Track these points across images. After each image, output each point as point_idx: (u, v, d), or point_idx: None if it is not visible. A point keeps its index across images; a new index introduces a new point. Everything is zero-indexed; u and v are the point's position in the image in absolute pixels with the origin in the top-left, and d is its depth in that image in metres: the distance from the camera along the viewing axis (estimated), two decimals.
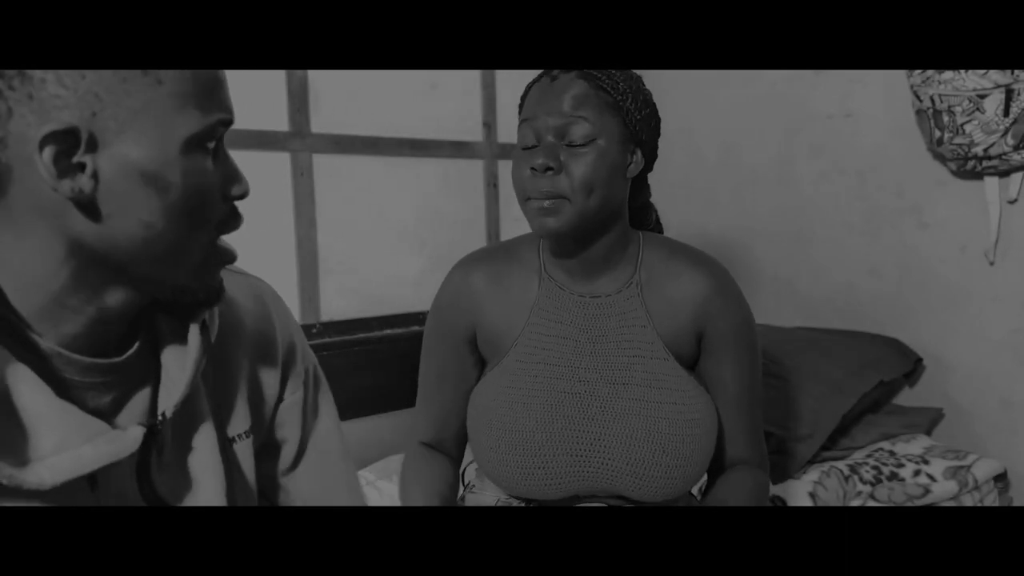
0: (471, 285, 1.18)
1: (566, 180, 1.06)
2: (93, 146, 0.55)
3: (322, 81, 1.82)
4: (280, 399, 0.80)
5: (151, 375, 0.66)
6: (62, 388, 0.58)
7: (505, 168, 2.17)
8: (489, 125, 2.12)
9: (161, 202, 0.57)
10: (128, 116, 0.55)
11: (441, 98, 2.04)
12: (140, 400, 0.65)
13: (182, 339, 0.67)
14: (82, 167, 0.55)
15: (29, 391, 0.55)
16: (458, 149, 2.08)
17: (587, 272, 1.16)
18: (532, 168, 1.07)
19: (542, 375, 1.12)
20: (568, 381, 1.12)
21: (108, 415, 0.62)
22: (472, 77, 2.11)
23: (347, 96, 1.88)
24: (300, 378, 0.82)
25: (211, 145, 0.61)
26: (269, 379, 0.78)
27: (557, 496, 1.10)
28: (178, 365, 0.66)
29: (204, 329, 0.67)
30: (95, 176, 0.55)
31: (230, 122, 0.62)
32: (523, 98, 1.14)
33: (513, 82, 2.12)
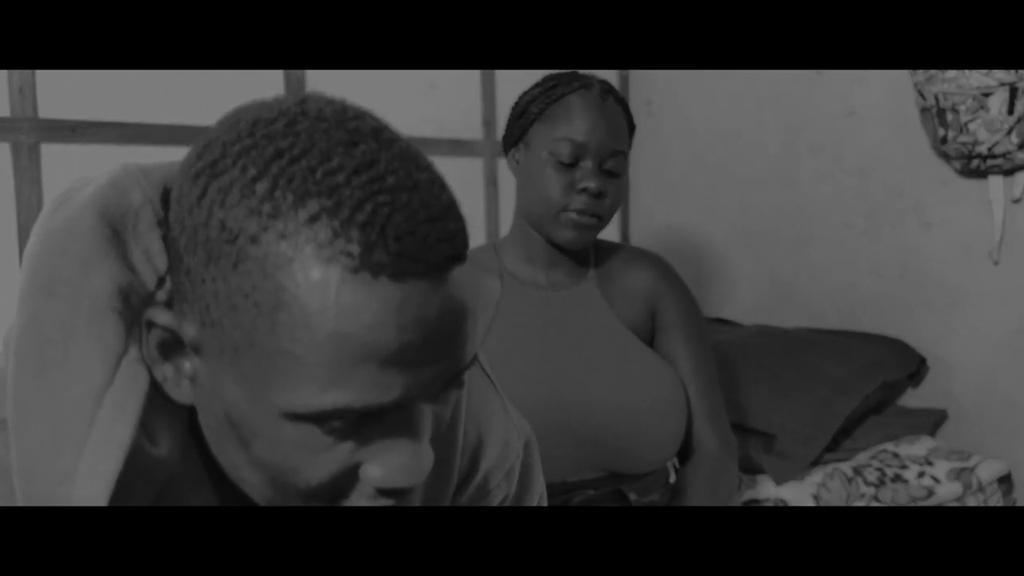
0: None
1: (603, 204, 1.16)
2: None
3: (320, 81, 1.81)
4: None
5: None
6: None
7: (505, 167, 2.15)
8: (489, 124, 2.11)
9: None
10: None
11: (441, 97, 2.03)
12: None
13: None
14: None
15: None
16: (457, 148, 2.06)
17: (548, 269, 1.24)
18: (583, 188, 1.14)
19: (514, 363, 1.16)
20: (540, 364, 1.17)
21: None
22: (472, 77, 2.09)
23: (345, 96, 1.86)
24: None
25: None
26: None
27: (550, 480, 1.11)
28: None
29: None
30: None
31: None
32: (549, 102, 1.17)
33: (513, 82, 2.11)
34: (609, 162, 1.15)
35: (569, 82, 1.17)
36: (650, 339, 1.25)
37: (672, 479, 1.28)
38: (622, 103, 1.18)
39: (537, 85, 1.21)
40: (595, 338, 1.19)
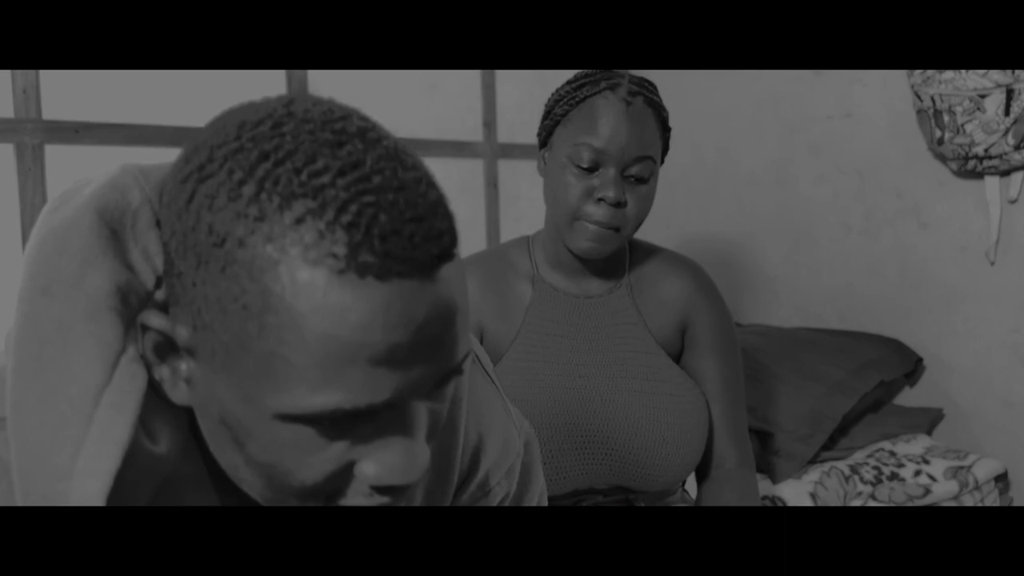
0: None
1: (624, 213, 1.10)
2: None
3: (322, 81, 1.82)
4: None
5: None
6: None
7: (505, 168, 2.17)
8: (490, 125, 2.12)
9: None
10: None
11: (441, 98, 2.04)
12: None
13: None
14: None
15: None
16: (458, 149, 2.07)
17: (581, 275, 1.20)
18: (600, 198, 1.08)
19: (542, 372, 1.15)
20: (568, 377, 1.15)
21: None
22: (472, 77, 2.10)
23: (347, 96, 1.86)
24: None
25: None
26: None
27: (562, 491, 1.11)
28: None
29: None
30: None
31: None
32: (570, 103, 1.12)
33: (513, 82, 2.12)
34: (633, 168, 1.09)
35: (596, 82, 1.11)
36: (679, 351, 1.23)
37: (681, 491, 1.27)
38: (654, 104, 1.11)
39: (568, 82, 1.15)
40: (623, 353, 1.16)
